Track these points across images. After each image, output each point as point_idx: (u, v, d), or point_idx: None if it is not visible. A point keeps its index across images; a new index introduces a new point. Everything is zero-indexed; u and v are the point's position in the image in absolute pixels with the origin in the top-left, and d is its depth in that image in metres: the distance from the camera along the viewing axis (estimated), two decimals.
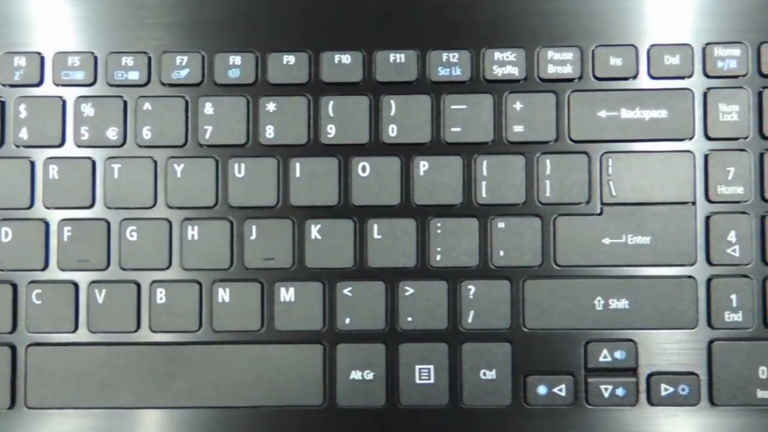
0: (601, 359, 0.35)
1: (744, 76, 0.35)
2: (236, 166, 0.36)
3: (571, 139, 0.35)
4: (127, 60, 0.36)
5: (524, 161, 0.35)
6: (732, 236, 0.35)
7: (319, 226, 0.36)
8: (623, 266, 0.35)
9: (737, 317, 0.35)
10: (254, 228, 0.36)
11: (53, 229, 0.36)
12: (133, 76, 0.36)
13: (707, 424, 0.35)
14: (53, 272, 0.36)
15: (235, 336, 0.36)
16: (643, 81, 0.35)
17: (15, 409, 0.36)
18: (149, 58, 0.36)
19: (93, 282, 0.36)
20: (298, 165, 0.36)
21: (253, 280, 0.36)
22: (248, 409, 0.36)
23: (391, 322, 0.36)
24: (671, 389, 0.35)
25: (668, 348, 0.35)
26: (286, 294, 0.36)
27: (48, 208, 0.36)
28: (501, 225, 0.35)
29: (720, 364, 0.35)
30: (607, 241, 0.35)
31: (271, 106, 0.36)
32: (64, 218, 0.36)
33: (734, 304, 0.35)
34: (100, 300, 0.36)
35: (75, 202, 0.36)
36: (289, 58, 0.36)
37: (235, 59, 0.36)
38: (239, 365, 0.36)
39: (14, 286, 0.36)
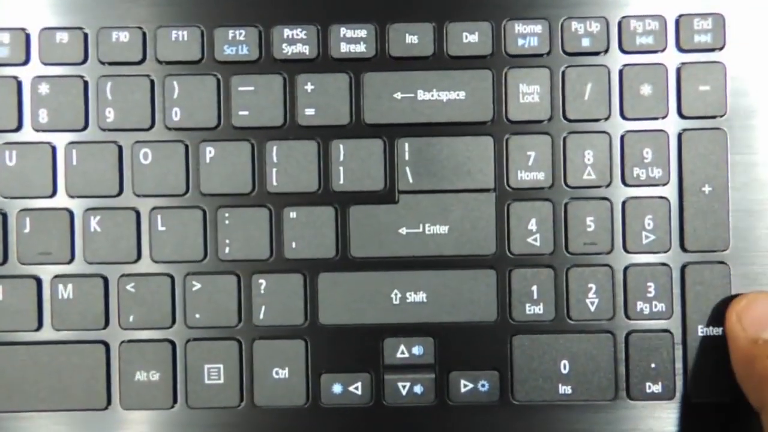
0: (398, 355, 0.33)
1: (548, 54, 0.33)
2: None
3: (365, 123, 0.33)
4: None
5: (317, 147, 0.33)
6: (533, 224, 0.33)
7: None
8: (421, 257, 0.33)
9: (538, 309, 0.33)
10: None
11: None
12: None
13: (506, 421, 0.33)
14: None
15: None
16: (442, 61, 0.33)
17: None
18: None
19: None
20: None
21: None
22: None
23: (180, 318, 0.33)
24: (471, 386, 0.33)
25: (468, 342, 0.33)
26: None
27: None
28: (293, 215, 0.33)
29: (521, 359, 0.33)
30: (403, 230, 0.33)
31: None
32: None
33: (535, 296, 0.33)
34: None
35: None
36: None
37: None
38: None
39: None
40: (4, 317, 0.34)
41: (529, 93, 0.33)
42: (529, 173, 0.33)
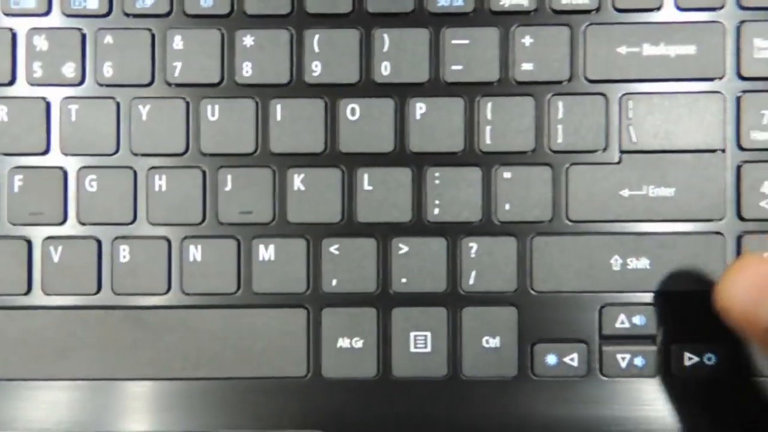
0: (617, 325, 0.31)
1: None
2: (209, 108, 0.32)
3: (586, 79, 0.31)
4: None
5: (534, 103, 0.31)
6: (766, 188, 0.31)
7: (302, 175, 0.32)
8: (644, 221, 0.31)
9: None
10: (229, 178, 0.32)
11: (3, 178, 0.32)
12: (92, 4, 0.32)
13: (734, 397, 0.31)
14: (3, 227, 0.32)
15: (207, 299, 0.32)
16: (669, 13, 0.31)
17: None
18: None
19: (48, 238, 0.32)
20: (279, 107, 0.32)
21: (228, 236, 0.32)
22: (222, 381, 0.32)
23: (383, 283, 0.32)
24: (696, 358, 0.31)
25: (694, 313, 0.31)
26: (266, 252, 0.32)
27: None
28: (507, 175, 0.31)
29: None
30: (625, 193, 0.31)
31: (248, 41, 0.32)
32: (16, 166, 0.32)
33: None
34: (55, 258, 0.32)
35: (28, 148, 0.32)
36: None
37: None
38: (212, 332, 0.32)
39: None
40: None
41: (764, 48, 0.31)
42: (763, 133, 0.31)
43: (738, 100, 0.31)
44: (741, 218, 0.31)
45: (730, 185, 0.31)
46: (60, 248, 0.32)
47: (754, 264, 0.26)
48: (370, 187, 0.32)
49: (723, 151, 0.31)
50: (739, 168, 0.31)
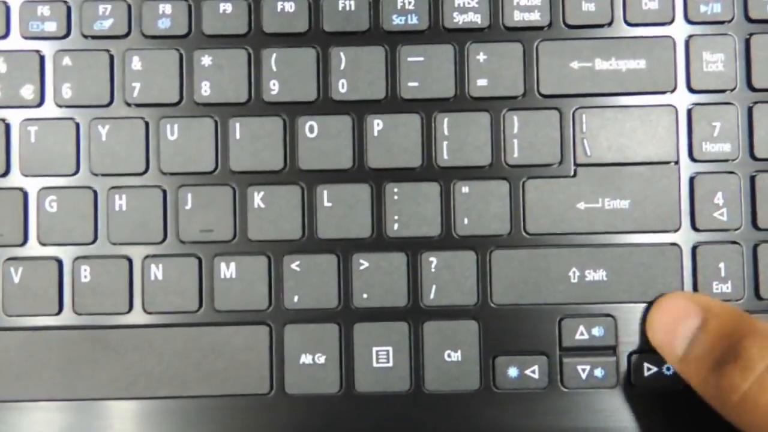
0: (577, 337, 0.32)
1: (730, 21, 0.32)
2: (168, 127, 0.32)
3: (540, 94, 0.32)
4: (43, 9, 0.32)
5: (489, 119, 0.32)
6: (719, 198, 0.32)
7: (262, 193, 0.32)
8: (600, 233, 0.32)
9: (726, 288, 0.31)
10: (189, 196, 0.32)
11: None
12: (51, 27, 0.32)
13: (694, 407, 0.31)
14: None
15: (170, 318, 0.32)
16: (619, 28, 0.32)
17: None
18: (68, 7, 0.32)
19: (8, 259, 0.32)
20: (238, 125, 0.32)
21: (189, 254, 0.32)
22: (186, 399, 0.32)
23: (345, 299, 0.32)
24: (655, 369, 0.31)
25: None
26: (227, 270, 0.32)
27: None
28: (465, 190, 0.32)
29: None
30: (581, 205, 0.32)
31: (206, 60, 0.32)
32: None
33: (723, 274, 0.31)
34: (16, 279, 0.32)
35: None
36: (226, 6, 0.32)
37: (165, 8, 0.32)
38: (175, 350, 0.32)
39: None
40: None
41: (713, 61, 0.32)
42: (715, 144, 0.32)
43: (689, 112, 0.32)
44: (696, 229, 0.32)
45: (685, 196, 0.32)
46: (21, 269, 0.32)
47: (673, 300, 0.30)
48: (330, 204, 0.32)
49: (676, 163, 0.32)
50: (692, 179, 0.32)
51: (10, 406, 0.32)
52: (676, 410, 0.32)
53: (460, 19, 0.32)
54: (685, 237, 0.32)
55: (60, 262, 0.32)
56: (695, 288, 0.31)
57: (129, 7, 0.32)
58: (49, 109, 0.32)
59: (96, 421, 0.32)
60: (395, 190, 0.32)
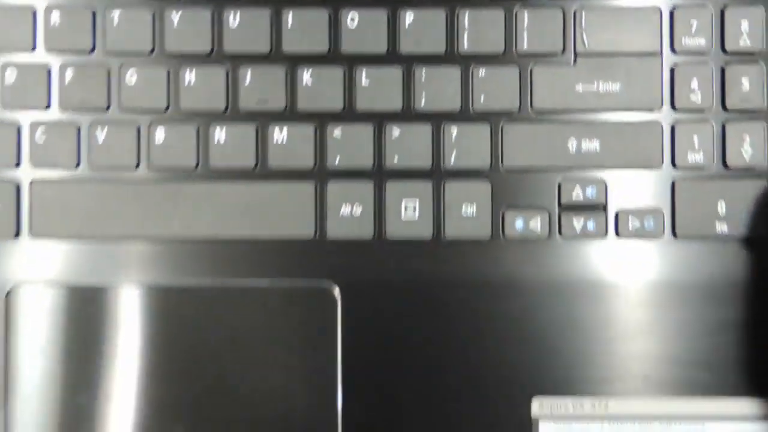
0: (573, 196, 0.38)
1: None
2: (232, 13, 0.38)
3: None
4: None
5: (503, 14, 0.38)
6: (694, 84, 0.38)
7: (311, 70, 0.38)
8: (595, 111, 0.38)
9: (698, 158, 0.38)
10: (249, 73, 0.38)
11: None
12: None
13: (670, 253, 0.37)
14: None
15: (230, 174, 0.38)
16: None
17: (20, 237, 0.38)
18: None
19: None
20: (290, 15, 0.38)
21: (248, 121, 0.38)
22: (244, 240, 0.38)
23: (379, 161, 0.38)
24: (638, 223, 0.37)
25: (635, 186, 0.38)
26: (280, 134, 0.38)
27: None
28: (482, 73, 0.38)
29: (682, 200, 0.37)
30: (580, 88, 0.38)
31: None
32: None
33: (696, 146, 0.38)
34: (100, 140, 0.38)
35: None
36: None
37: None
38: (237, 201, 0.38)
39: None
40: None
41: None
42: (692, 39, 0.38)
43: (672, 14, 0.38)
44: (674, 108, 0.38)
45: (666, 82, 0.38)
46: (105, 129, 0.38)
47: None
48: (368, 81, 0.38)
49: (660, 54, 0.38)
50: (673, 69, 0.38)
51: (94, 241, 0.38)
52: (655, 257, 0.38)
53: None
54: (665, 115, 0.38)
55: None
56: (673, 158, 0.38)
57: None
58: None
59: (167, 257, 0.38)
60: (423, 72, 0.38)
